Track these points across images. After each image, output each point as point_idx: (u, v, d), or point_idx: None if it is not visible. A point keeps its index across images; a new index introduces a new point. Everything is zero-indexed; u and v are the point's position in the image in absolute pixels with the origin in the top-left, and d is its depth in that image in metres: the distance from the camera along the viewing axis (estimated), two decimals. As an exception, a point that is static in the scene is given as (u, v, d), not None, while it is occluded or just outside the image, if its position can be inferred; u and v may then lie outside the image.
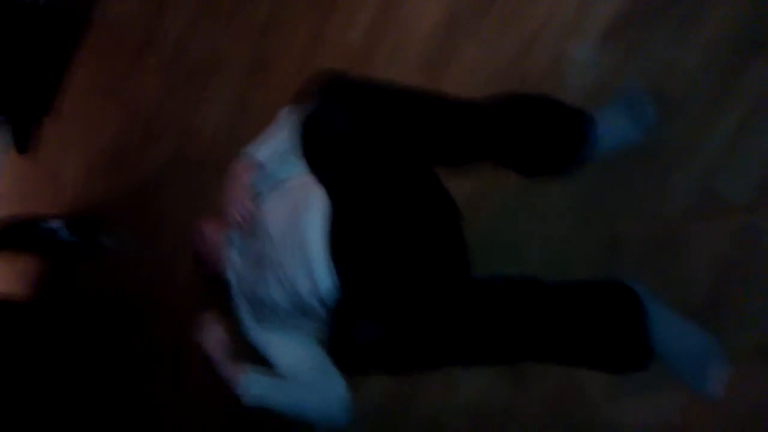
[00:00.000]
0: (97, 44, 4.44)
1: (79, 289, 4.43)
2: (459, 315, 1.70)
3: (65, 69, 4.72)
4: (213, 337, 2.26)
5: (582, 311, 1.73)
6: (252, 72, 3.17)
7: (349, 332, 1.74)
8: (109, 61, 4.28)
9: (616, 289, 1.78)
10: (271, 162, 2.10)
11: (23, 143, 5.17)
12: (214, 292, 2.36)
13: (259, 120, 3.00)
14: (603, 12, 2.03)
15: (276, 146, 2.11)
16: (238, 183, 2.08)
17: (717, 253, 1.75)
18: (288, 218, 1.96)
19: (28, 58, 4.79)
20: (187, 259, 2.70)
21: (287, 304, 2.05)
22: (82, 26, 4.58)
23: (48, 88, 4.83)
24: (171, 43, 3.71)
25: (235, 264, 2.25)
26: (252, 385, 2.20)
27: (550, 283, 1.76)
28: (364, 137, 1.69)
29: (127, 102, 4.05)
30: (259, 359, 2.24)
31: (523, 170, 1.94)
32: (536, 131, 1.84)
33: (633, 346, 1.75)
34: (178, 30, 3.67)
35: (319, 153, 1.74)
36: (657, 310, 1.74)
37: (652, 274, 1.84)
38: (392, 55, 2.56)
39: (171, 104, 3.69)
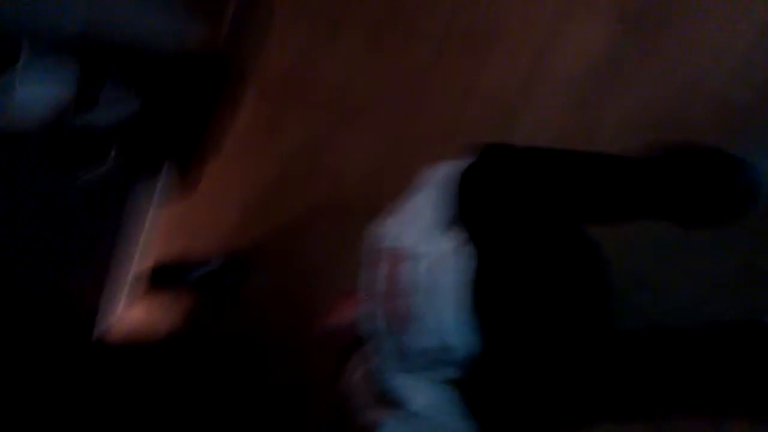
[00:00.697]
0: (263, 89, 4.59)
1: (227, 326, 4.53)
2: (601, 368, 1.65)
3: (232, 115, 4.90)
4: (358, 376, 2.24)
5: (722, 358, 1.65)
6: (411, 114, 3.20)
7: (489, 386, 1.73)
8: (273, 105, 4.42)
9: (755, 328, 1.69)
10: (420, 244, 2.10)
11: (188, 185, 5.37)
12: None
13: (414, 164, 3.05)
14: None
15: (422, 227, 2.10)
16: (391, 281, 2.07)
17: None
18: (432, 276, 1.94)
19: (195, 106, 5.00)
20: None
21: (434, 344, 2.02)
22: (250, 72, 4.75)
23: (214, 133, 5.02)
24: (332, 87, 3.78)
25: (371, 314, 2.24)
26: (390, 428, 2.17)
27: (690, 329, 1.69)
28: (520, 196, 1.69)
29: (289, 146, 4.17)
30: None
31: (682, 224, 1.87)
32: (700, 190, 1.78)
33: None
34: (339, 73, 3.74)
35: (472, 205, 1.73)
36: None
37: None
38: (548, 103, 2.53)
39: (331, 148, 3.76)
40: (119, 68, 4.76)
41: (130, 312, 5.99)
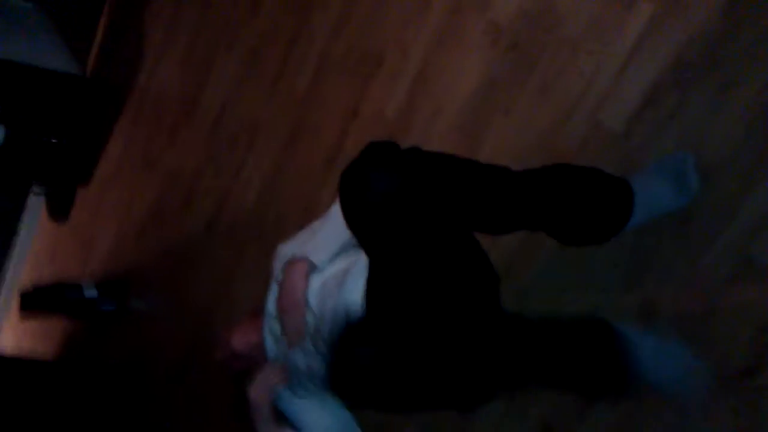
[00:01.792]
0: (139, 114, 4.53)
1: (105, 351, 4.45)
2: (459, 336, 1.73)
3: (105, 139, 4.82)
4: (264, 391, 2.24)
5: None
6: (291, 141, 3.23)
7: (352, 354, 1.73)
8: (149, 131, 4.36)
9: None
10: (327, 262, 2.13)
11: (59, 212, 5.26)
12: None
13: (297, 188, 3.09)
14: (640, 80, 2.05)
15: (332, 246, 2.13)
16: (296, 292, 2.08)
17: (753, 319, 1.75)
18: (330, 287, 1.98)
19: (68, 130, 4.89)
20: (216, 326, 2.71)
21: (324, 370, 2.06)
22: (124, 97, 4.68)
23: (87, 158, 4.93)
24: (211, 113, 3.77)
25: (272, 332, 2.26)
26: None
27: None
28: (407, 199, 1.66)
29: (165, 171, 4.12)
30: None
31: (563, 239, 1.94)
32: (581, 203, 1.85)
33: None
34: (218, 100, 3.74)
35: (358, 211, 1.71)
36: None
37: (689, 339, 1.84)
38: (427, 127, 2.60)
39: (209, 173, 3.75)
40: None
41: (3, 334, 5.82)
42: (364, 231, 1.76)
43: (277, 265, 2.19)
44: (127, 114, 4.61)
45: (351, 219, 1.73)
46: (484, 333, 1.78)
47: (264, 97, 3.44)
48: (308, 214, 2.28)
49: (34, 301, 4.56)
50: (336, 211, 2.18)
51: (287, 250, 2.19)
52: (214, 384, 2.81)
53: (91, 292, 4.39)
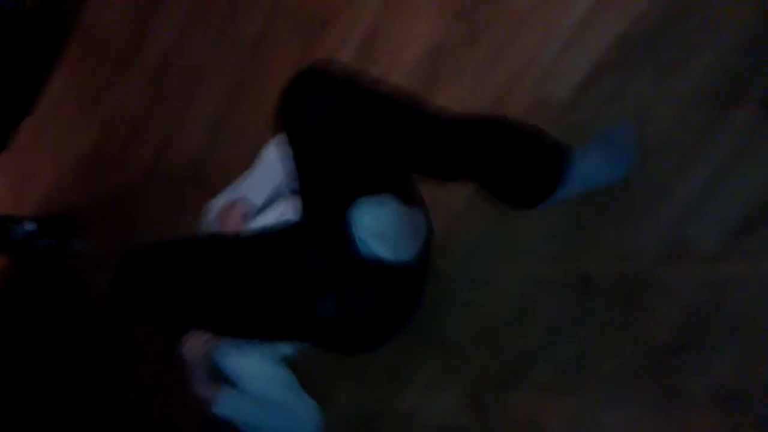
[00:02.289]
0: (82, 51, 4.43)
1: (43, 290, 4.40)
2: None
3: (48, 73, 4.71)
4: (197, 351, 2.25)
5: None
6: (235, 93, 3.20)
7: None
8: (93, 68, 4.27)
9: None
10: (264, 204, 2.13)
11: (1, 143, 5.15)
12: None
13: (241, 137, 3.05)
14: (586, 55, 2.07)
15: (267, 187, 2.13)
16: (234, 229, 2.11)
17: (683, 299, 1.78)
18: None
19: (9, 62, 4.78)
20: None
21: None
22: (67, 32, 4.58)
23: (29, 91, 4.82)
24: (157, 54, 3.71)
25: None
26: (227, 400, 2.21)
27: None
28: (343, 121, 1.70)
29: (108, 110, 4.05)
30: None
31: (498, 195, 1.96)
32: (515, 156, 1.87)
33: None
34: (165, 41, 3.68)
35: (296, 129, 1.75)
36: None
37: (620, 315, 1.87)
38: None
39: (153, 116, 3.69)
40: None
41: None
42: (301, 148, 1.77)
43: (208, 219, 2.19)
44: (72, 49, 4.51)
45: (289, 135, 1.76)
46: None
47: (211, 45, 3.39)
48: (249, 166, 2.27)
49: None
50: (268, 154, 2.18)
51: (218, 201, 2.19)
52: (149, 333, 2.79)
53: (29, 226, 4.32)
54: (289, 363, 2.38)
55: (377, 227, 1.79)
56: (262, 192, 2.16)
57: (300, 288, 1.82)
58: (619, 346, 1.86)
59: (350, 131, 1.71)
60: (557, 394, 1.96)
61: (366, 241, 1.80)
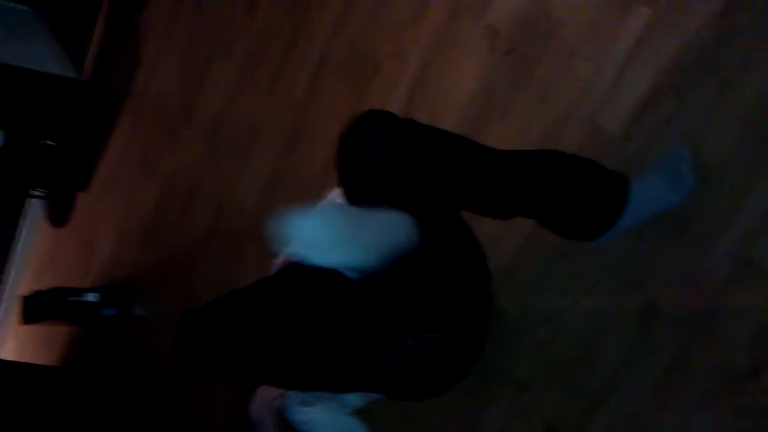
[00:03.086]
0: (137, 119, 4.53)
1: (110, 359, 4.46)
2: None
3: (104, 143, 4.82)
4: (265, 408, 2.25)
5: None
6: (290, 145, 3.24)
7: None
8: (148, 135, 4.36)
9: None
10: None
11: (59, 216, 5.26)
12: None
13: (297, 192, 3.09)
14: (638, 84, 2.06)
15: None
16: None
17: (754, 323, 1.76)
18: None
19: (66, 134, 4.89)
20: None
21: None
22: (122, 101, 4.69)
23: (86, 162, 4.93)
24: (210, 117, 3.78)
25: None
26: None
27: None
28: (401, 166, 1.70)
29: (165, 175, 4.12)
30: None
31: (557, 229, 1.95)
32: (575, 186, 1.86)
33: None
34: (217, 104, 3.75)
35: (353, 175, 1.74)
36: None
37: (689, 344, 1.85)
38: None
39: (209, 177, 3.75)
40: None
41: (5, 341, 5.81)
42: (357, 193, 1.77)
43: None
44: (126, 118, 4.61)
45: (345, 180, 1.75)
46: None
47: (262, 101, 3.45)
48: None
49: (36, 307, 4.55)
50: (326, 205, 2.20)
51: (279, 259, 2.20)
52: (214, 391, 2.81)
53: (92, 297, 4.39)
54: (361, 415, 2.37)
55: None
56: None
57: (357, 334, 1.83)
58: (692, 374, 1.84)
59: (412, 172, 1.72)
60: (634, 428, 1.94)
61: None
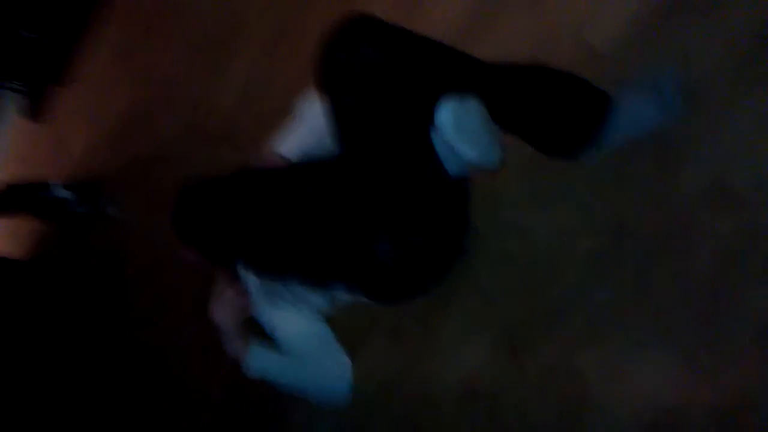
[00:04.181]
0: (118, 14, 4.45)
1: (77, 253, 4.45)
2: None
3: (80, 38, 4.75)
4: (226, 307, 2.26)
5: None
6: (273, 45, 3.19)
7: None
8: (129, 30, 4.30)
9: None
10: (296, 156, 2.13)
11: (34, 112, 5.20)
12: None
13: (277, 94, 3.05)
14: (626, 3, 2.03)
15: (301, 141, 2.12)
16: None
17: (721, 245, 1.77)
18: None
19: (44, 26, 4.82)
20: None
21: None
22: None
23: (61, 56, 4.86)
24: (193, 12, 3.72)
25: None
26: (258, 359, 2.21)
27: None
28: (386, 71, 1.68)
29: (143, 72, 4.07)
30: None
31: (538, 144, 1.93)
32: (556, 101, 1.84)
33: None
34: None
35: (337, 80, 1.73)
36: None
37: (657, 262, 1.86)
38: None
39: (188, 75, 3.70)
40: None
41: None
42: (340, 101, 1.77)
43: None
44: (109, 15, 4.54)
45: (328, 87, 1.74)
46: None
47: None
48: (283, 121, 2.27)
49: (7, 200, 4.52)
50: (305, 108, 2.18)
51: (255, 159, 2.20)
52: (184, 287, 2.82)
53: (64, 193, 4.36)
54: (325, 318, 2.39)
55: (461, 123, 1.76)
56: (296, 148, 2.15)
57: (358, 221, 1.84)
58: (655, 288, 1.85)
59: (400, 76, 1.70)
60: (594, 339, 1.94)
61: (450, 139, 1.76)
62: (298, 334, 2.27)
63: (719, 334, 1.73)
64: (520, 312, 2.11)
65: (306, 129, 2.13)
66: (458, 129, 1.75)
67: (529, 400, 2.07)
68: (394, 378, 2.43)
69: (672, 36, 1.93)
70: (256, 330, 2.28)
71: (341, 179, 1.83)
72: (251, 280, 2.27)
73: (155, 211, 3.77)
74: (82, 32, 4.72)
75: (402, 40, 1.73)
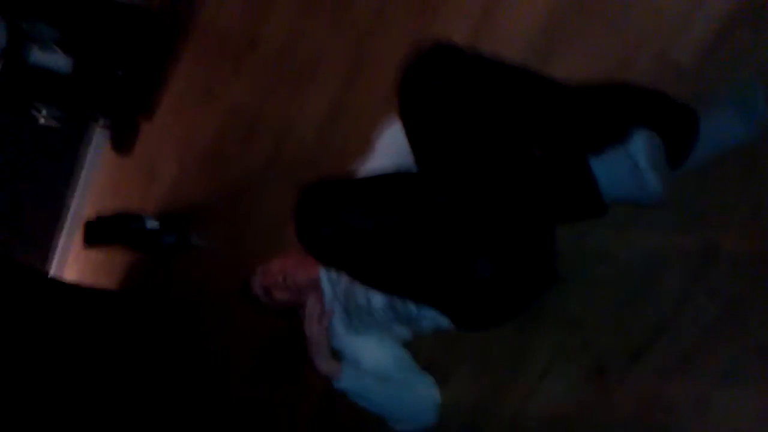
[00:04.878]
0: (201, 46, 4.55)
1: (166, 285, 4.53)
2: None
3: (167, 71, 4.86)
4: (317, 326, 2.27)
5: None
6: (353, 74, 3.21)
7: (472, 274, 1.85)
8: (211, 63, 4.38)
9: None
10: None
11: (123, 145, 5.33)
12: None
13: (358, 123, 3.07)
14: (713, 16, 1.98)
15: (381, 164, 2.14)
16: None
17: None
18: None
19: (132, 61, 4.95)
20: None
21: (382, 304, 2.14)
22: (187, 29, 4.71)
23: (151, 90, 4.97)
24: (274, 48, 3.78)
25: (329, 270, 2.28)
26: (349, 377, 2.22)
27: None
28: (466, 105, 1.67)
29: (227, 104, 4.14)
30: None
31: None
32: (643, 118, 1.80)
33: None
34: (280, 32, 3.75)
35: (414, 107, 1.72)
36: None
37: (747, 286, 1.80)
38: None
39: (272, 106, 3.75)
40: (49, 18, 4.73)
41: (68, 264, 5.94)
42: (417, 127, 1.76)
43: None
44: (191, 47, 4.64)
45: (407, 115, 1.75)
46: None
47: (326, 31, 3.43)
48: (366, 149, 2.28)
49: (98, 232, 4.64)
50: (385, 138, 2.19)
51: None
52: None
53: (152, 224, 4.45)
54: (406, 345, 2.39)
55: (655, 157, 1.76)
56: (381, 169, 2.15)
57: (470, 238, 1.84)
58: (747, 321, 1.79)
59: (477, 111, 1.70)
60: (685, 370, 1.89)
61: (644, 172, 1.75)
62: (384, 360, 2.28)
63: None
64: (610, 340, 2.06)
65: (387, 153, 2.14)
66: (651, 159, 1.74)
67: (615, 430, 2.02)
68: (480, 406, 2.40)
69: (757, 50, 1.88)
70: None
71: (459, 192, 1.81)
72: (336, 309, 2.28)
73: (239, 241, 3.85)
74: (167, 65, 4.83)
75: (481, 67, 1.72)
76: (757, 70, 1.87)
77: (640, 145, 1.73)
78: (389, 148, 2.16)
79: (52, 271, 6.07)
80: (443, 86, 1.66)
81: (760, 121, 1.80)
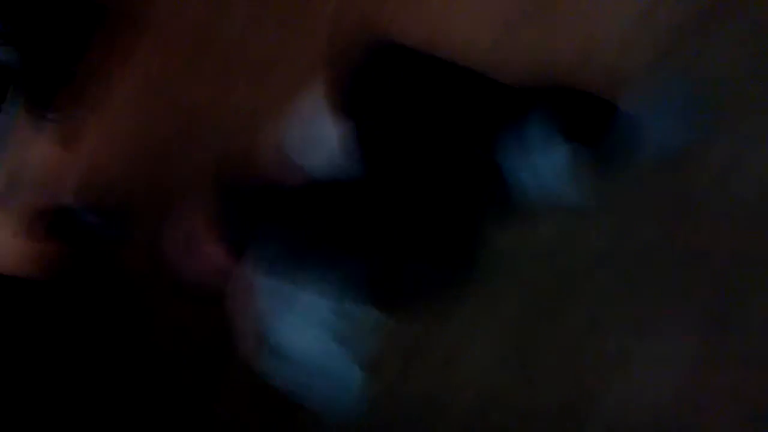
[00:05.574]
0: (154, 43, 4.58)
1: (97, 272, 4.55)
2: None
3: (121, 66, 4.84)
4: (245, 305, 2.28)
5: None
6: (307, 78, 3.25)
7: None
8: (164, 59, 4.44)
9: None
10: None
11: (65, 137, 5.24)
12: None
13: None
14: (659, 26, 2.09)
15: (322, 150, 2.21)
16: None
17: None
18: None
19: (82, 57, 4.94)
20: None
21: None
22: (142, 25, 4.75)
23: (100, 85, 4.95)
24: (226, 46, 3.85)
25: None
26: (271, 359, 2.23)
27: None
28: (416, 98, 1.76)
29: (177, 101, 4.21)
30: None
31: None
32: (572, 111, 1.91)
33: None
34: (235, 34, 3.82)
35: (366, 106, 1.78)
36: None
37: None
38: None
39: (222, 107, 3.82)
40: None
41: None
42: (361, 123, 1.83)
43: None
44: (143, 43, 4.65)
45: (358, 109, 1.82)
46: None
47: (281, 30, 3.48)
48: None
49: (39, 223, 4.60)
50: (316, 130, 2.25)
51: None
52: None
53: (91, 218, 4.45)
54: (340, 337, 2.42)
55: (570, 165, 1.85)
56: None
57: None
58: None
59: (430, 103, 1.79)
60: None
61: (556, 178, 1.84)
62: (310, 345, 2.31)
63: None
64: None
65: (319, 145, 2.19)
66: (564, 172, 1.84)
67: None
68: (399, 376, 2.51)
69: (704, 59, 2.00)
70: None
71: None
72: (262, 282, 2.28)
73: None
74: (121, 62, 4.81)
75: (430, 67, 1.82)
76: (700, 77, 1.99)
77: (561, 155, 1.84)
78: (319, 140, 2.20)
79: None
80: (391, 85, 1.75)
81: (695, 122, 1.93)
